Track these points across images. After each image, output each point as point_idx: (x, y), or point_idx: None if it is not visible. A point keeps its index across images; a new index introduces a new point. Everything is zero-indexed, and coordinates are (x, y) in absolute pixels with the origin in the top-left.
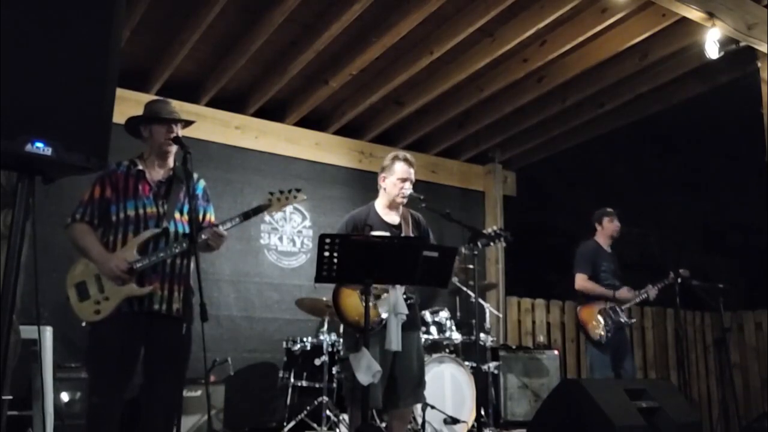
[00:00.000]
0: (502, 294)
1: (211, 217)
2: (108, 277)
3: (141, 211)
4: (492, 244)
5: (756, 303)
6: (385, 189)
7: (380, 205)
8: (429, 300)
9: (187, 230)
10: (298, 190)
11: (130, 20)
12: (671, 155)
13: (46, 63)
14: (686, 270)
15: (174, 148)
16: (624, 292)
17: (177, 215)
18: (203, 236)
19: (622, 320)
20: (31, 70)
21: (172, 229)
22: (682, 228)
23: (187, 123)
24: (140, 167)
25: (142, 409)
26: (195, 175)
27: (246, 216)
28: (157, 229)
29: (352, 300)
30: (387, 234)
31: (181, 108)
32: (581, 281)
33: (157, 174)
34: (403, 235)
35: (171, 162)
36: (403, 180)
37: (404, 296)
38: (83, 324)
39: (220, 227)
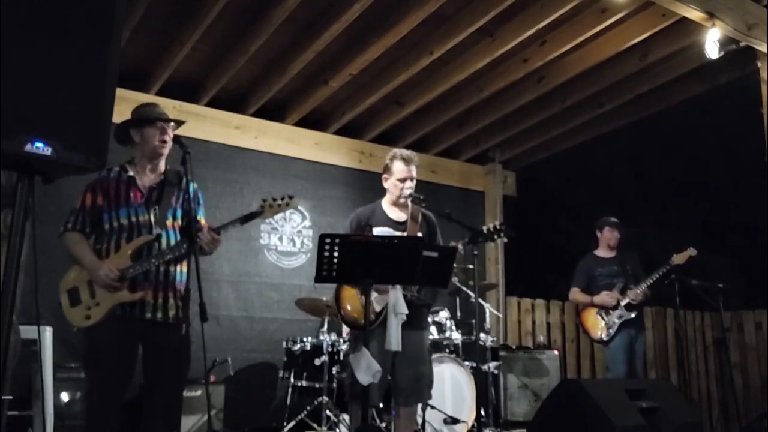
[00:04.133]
0: (502, 294)
1: (201, 220)
2: (99, 285)
3: (133, 219)
4: (493, 240)
5: (756, 303)
6: (388, 189)
7: (386, 202)
8: (434, 298)
9: (179, 237)
10: (290, 197)
11: (130, 20)
12: (671, 155)
13: (46, 63)
14: (691, 249)
15: (166, 151)
16: (602, 297)
17: (169, 221)
18: (199, 241)
19: (619, 316)
20: (31, 70)
21: (164, 235)
22: (682, 228)
23: (179, 123)
24: (131, 173)
25: (142, 411)
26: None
27: (239, 222)
28: (150, 235)
29: (351, 298)
30: (390, 230)
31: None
32: (572, 294)
33: (148, 179)
34: (408, 232)
35: (162, 166)
36: (402, 180)
37: (413, 295)
38: (74, 329)
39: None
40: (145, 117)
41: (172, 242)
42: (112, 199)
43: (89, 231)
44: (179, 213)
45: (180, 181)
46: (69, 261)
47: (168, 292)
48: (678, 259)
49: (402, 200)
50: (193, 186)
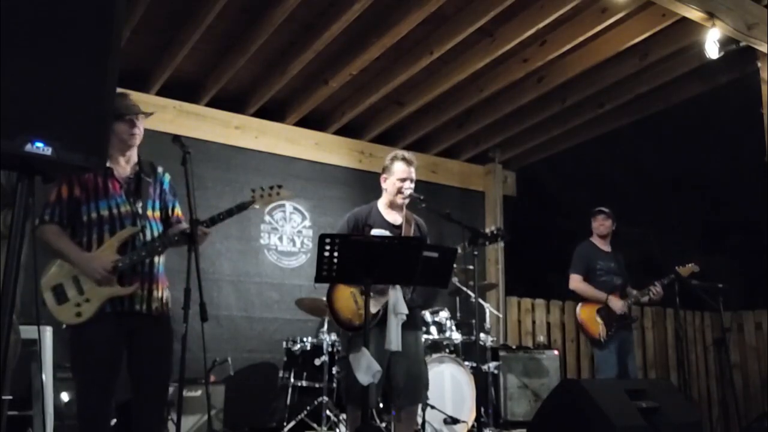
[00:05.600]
0: (502, 294)
1: (178, 212)
2: (92, 279)
3: (115, 210)
4: (489, 243)
5: (756, 303)
6: (386, 189)
7: (382, 204)
8: (429, 300)
9: (161, 228)
10: (280, 186)
11: (130, 20)
12: (671, 155)
13: (46, 63)
14: (694, 264)
15: (137, 141)
16: (614, 301)
17: (150, 212)
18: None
19: (621, 318)
20: (31, 70)
21: (147, 227)
22: (682, 228)
23: (147, 115)
24: (107, 164)
25: (133, 412)
26: (160, 169)
27: (230, 213)
28: (135, 227)
29: (344, 299)
30: (387, 232)
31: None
32: (574, 282)
33: (123, 170)
34: (403, 235)
35: (135, 157)
36: (402, 180)
37: (409, 297)
38: (63, 326)
39: (203, 226)
40: (115, 111)
41: (155, 233)
42: (91, 191)
43: (66, 224)
44: (158, 204)
45: (155, 172)
46: (48, 257)
47: (152, 284)
48: (681, 272)
49: (401, 200)
50: (167, 178)
